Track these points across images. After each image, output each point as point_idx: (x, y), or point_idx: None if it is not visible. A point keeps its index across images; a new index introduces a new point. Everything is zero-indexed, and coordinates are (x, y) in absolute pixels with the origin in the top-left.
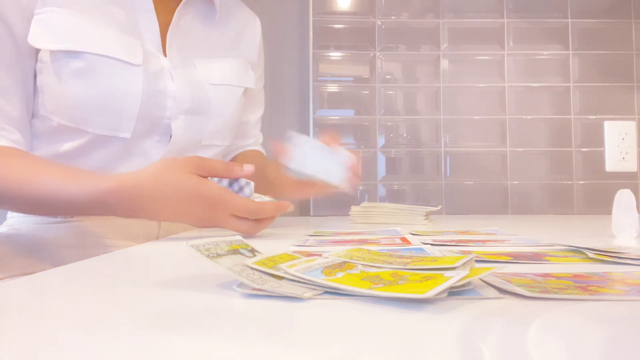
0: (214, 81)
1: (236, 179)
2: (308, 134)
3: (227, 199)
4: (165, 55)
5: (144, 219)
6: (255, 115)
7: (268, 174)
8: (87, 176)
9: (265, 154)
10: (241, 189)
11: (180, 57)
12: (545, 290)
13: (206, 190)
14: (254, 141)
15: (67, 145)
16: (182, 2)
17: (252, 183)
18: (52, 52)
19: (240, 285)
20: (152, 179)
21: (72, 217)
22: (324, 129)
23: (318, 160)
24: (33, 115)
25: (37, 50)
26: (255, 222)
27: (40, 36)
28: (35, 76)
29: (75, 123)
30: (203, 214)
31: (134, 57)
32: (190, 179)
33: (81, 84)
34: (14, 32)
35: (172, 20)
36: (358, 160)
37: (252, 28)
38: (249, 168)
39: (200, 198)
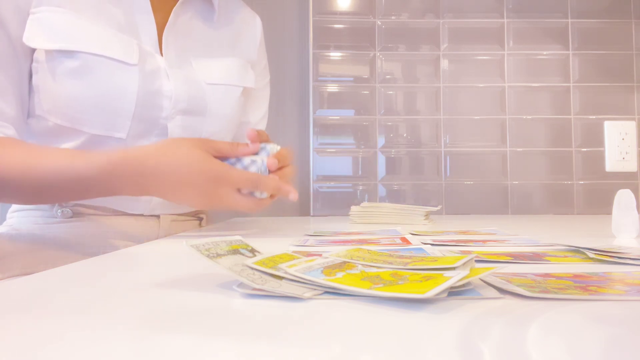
0: (211, 81)
1: (239, 159)
2: (308, 134)
3: (230, 173)
4: (161, 54)
5: (151, 195)
6: (255, 115)
7: None
8: (92, 152)
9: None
10: (245, 169)
11: (177, 56)
12: (545, 290)
13: (209, 164)
14: None
15: (64, 146)
16: (179, 1)
17: (258, 161)
18: (48, 52)
19: (240, 285)
20: (157, 151)
21: (72, 217)
22: (324, 129)
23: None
24: (29, 115)
25: (33, 50)
26: (259, 199)
27: (36, 36)
28: (30, 76)
29: (71, 123)
30: (208, 190)
31: (129, 57)
32: (195, 153)
33: (76, 83)
34: (9, 31)
35: (169, 20)
36: (284, 156)
37: (252, 27)
38: (253, 147)
39: (203, 172)
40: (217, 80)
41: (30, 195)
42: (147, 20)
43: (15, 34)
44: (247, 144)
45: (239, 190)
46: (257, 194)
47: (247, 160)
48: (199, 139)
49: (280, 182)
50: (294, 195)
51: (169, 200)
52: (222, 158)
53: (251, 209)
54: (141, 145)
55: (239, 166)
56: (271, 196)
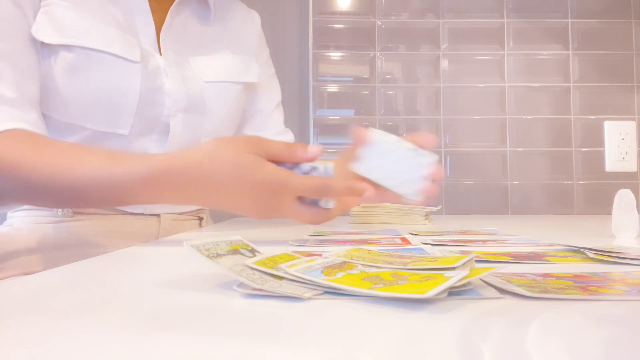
0: (209, 79)
1: (297, 165)
2: (308, 134)
3: (289, 180)
4: (160, 54)
5: (199, 205)
6: (269, 103)
7: None
8: (131, 157)
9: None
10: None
11: (175, 56)
12: (545, 290)
13: (264, 172)
14: (277, 132)
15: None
16: (175, 2)
17: (320, 167)
18: (52, 47)
19: (240, 285)
20: (204, 158)
21: (72, 217)
22: (324, 129)
23: (390, 163)
24: None
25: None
26: (324, 210)
27: (42, 30)
28: None
29: (74, 119)
30: (264, 201)
31: (132, 54)
32: (246, 159)
33: (79, 79)
34: (29, 18)
35: (165, 21)
36: (441, 169)
37: (250, 23)
38: (315, 150)
39: (258, 181)
40: (215, 78)
41: (57, 201)
42: (146, 21)
43: (32, 23)
44: (305, 146)
45: (300, 199)
46: (322, 203)
47: (306, 166)
48: (251, 139)
49: (350, 181)
50: (370, 192)
51: (220, 209)
52: (277, 162)
53: (315, 221)
54: (186, 151)
55: (297, 172)
56: (338, 206)
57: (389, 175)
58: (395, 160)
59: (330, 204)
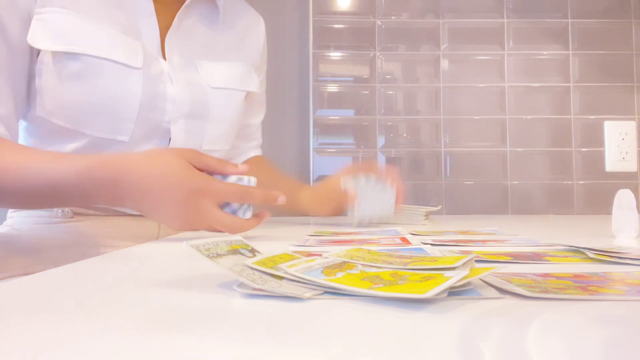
0: (215, 84)
1: (226, 177)
2: (308, 134)
3: (211, 184)
4: (165, 58)
5: (126, 206)
6: (258, 118)
7: (278, 184)
8: (75, 156)
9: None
10: None
11: (181, 60)
12: (545, 290)
13: (188, 175)
14: (256, 144)
15: (67, 148)
16: (183, 5)
17: (245, 179)
18: (53, 53)
19: (240, 285)
20: (137, 159)
21: (72, 217)
22: (324, 129)
23: (371, 203)
24: (30, 117)
25: (34, 51)
26: (242, 220)
27: (41, 37)
28: (33, 77)
29: (74, 125)
30: (185, 203)
31: (134, 60)
32: (176, 162)
33: (81, 86)
34: (6, 30)
35: (173, 24)
36: (401, 192)
37: (256, 30)
38: (243, 168)
39: (181, 183)
40: (221, 84)
41: (9, 199)
42: (150, 24)
43: (13, 34)
44: (236, 164)
45: (221, 208)
46: (240, 214)
47: (233, 178)
48: (187, 150)
49: (266, 189)
50: (282, 199)
51: (143, 214)
52: (209, 173)
53: (234, 229)
54: (125, 152)
55: None
56: (257, 216)
57: (375, 212)
58: (372, 200)
59: (248, 215)
